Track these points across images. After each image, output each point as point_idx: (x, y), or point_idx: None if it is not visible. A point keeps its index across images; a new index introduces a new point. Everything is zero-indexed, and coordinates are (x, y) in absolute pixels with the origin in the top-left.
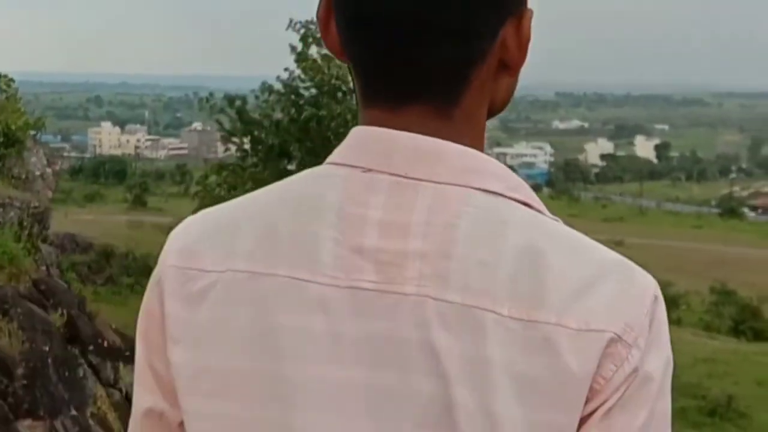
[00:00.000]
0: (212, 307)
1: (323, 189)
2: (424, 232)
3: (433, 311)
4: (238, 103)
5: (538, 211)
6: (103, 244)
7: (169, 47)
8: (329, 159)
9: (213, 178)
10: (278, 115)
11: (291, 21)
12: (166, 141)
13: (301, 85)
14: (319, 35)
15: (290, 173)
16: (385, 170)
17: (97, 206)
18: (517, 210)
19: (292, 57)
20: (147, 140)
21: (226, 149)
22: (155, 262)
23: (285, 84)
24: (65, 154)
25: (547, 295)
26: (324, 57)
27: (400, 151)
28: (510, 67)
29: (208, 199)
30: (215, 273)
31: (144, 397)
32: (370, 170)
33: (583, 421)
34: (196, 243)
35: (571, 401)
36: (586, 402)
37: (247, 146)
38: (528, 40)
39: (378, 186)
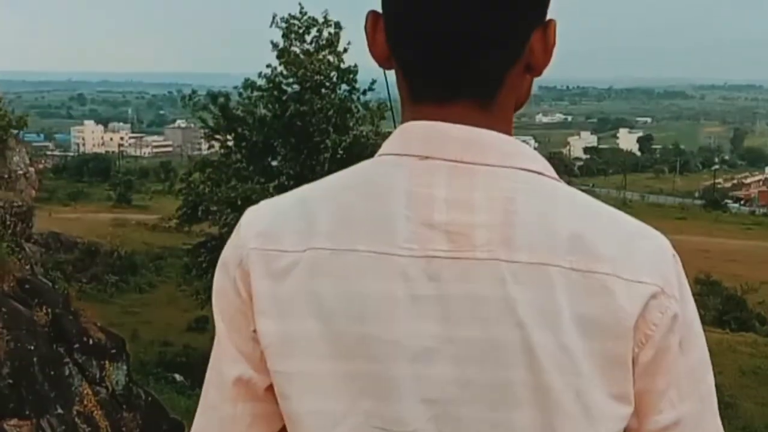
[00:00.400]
0: (296, 282)
1: (389, 174)
2: (486, 206)
3: (505, 270)
4: (221, 100)
5: (558, 180)
6: (88, 242)
7: (151, 45)
8: (381, 151)
9: (197, 175)
10: (261, 111)
11: (274, 17)
12: (149, 139)
13: (284, 81)
14: (301, 30)
15: (274, 169)
16: (442, 156)
17: (82, 205)
18: (554, 185)
19: (275, 53)
20: (131, 138)
21: (210, 146)
22: (140, 260)
23: (268, 80)
24: (48, 152)
25: (601, 251)
26: (306, 52)
27: (453, 139)
28: (534, 69)
29: (193, 196)
30: (296, 253)
31: (231, 368)
32: (426, 158)
33: (647, 369)
34: (272, 226)
35: (624, 334)
36: (644, 346)
37: (230, 143)
38: (553, 46)
39: (438, 170)
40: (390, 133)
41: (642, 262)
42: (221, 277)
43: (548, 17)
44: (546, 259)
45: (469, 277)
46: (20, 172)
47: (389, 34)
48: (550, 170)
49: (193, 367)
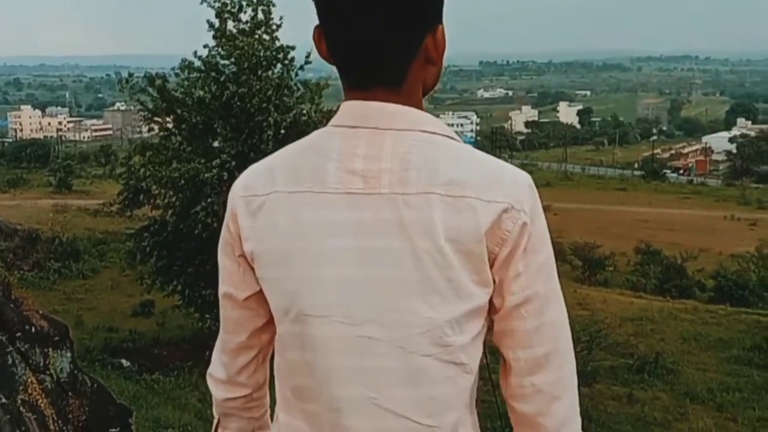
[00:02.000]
0: (265, 216)
1: (328, 138)
2: (390, 158)
3: (400, 200)
4: (158, 82)
5: (456, 139)
6: (28, 229)
7: (88, 27)
8: (331, 123)
9: (137, 159)
10: (200, 93)
11: None
12: (89, 122)
13: (221, 61)
14: (234, 10)
15: (215, 150)
16: (365, 125)
17: (21, 191)
18: (444, 140)
19: (211, 33)
20: (69, 122)
21: (150, 129)
22: (82, 246)
23: (204, 61)
24: None
25: (470, 182)
26: (241, 32)
27: (372, 113)
28: (432, 61)
29: (133, 179)
30: (264, 195)
31: (222, 287)
32: (355, 127)
33: (504, 262)
34: (250, 180)
35: (481, 238)
36: (502, 246)
37: (170, 125)
38: (443, 44)
39: (361, 135)
40: (330, 110)
41: (500, 188)
42: (225, 221)
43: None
44: (428, 189)
45: (376, 206)
46: None
47: (327, 42)
48: (445, 131)
49: (140, 351)
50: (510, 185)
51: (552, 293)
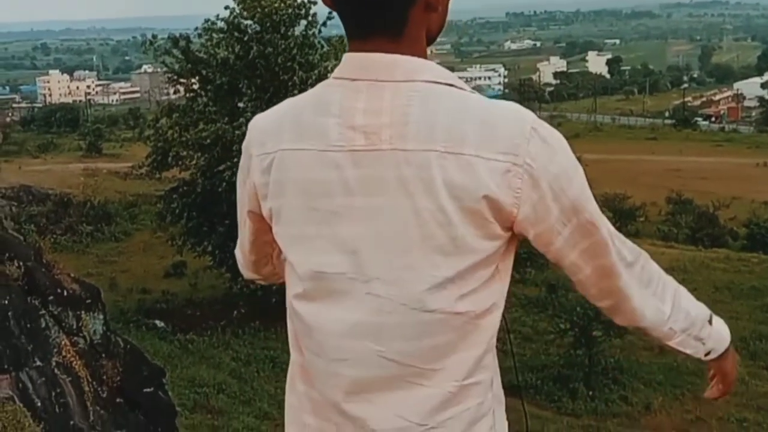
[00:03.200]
0: (274, 173)
1: (329, 93)
2: (390, 111)
3: (401, 156)
4: (182, 43)
5: (460, 88)
6: (60, 193)
7: None
8: (333, 75)
9: (164, 121)
10: (223, 53)
11: None
12: (116, 86)
13: (244, 21)
14: None
15: (241, 111)
16: (364, 78)
17: (52, 156)
18: (444, 89)
19: None
20: (97, 86)
21: (176, 91)
22: (114, 209)
23: (227, 22)
24: (15, 105)
25: (469, 136)
26: None
27: (371, 64)
28: (433, 7)
29: (161, 142)
30: (272, 153)
31: (243, 209)
32: (354, 80)
33: (534, 217)
34: (262, 135)
35: (482, 198)
36: (519, 205)
37: (195, 86)
38: None
39: (360, 88)
40: None
41: (498, 143)
42: (240, 173)
43: None
44: (427, 146)
45: (378, 163)
46: None
47: None
48: (447, 78)
49: (173, 312)
50: (508, 137)
51: (592, 214)
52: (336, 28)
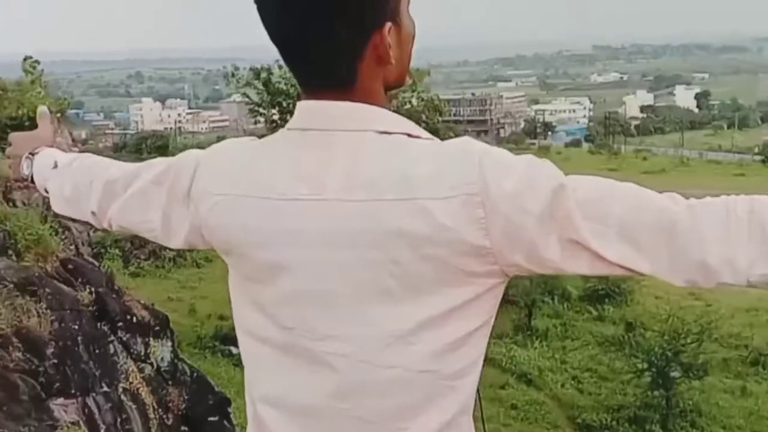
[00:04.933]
0: (218, 215)
1: (282, 142)
2: (339, 161)
3: (347, 207)
4: (263, 75)
5: (416, 135)
6: None
7: (205, 20)
8: (287, 126)
9: None
10: None
11: None
12: (206, 114)
13: None
14: None
15: None
16: (316, 127)
17: None
18: (397, 138)
19: None
20: (188, 114)
21: (256, 121)
22: None
23: None
24: (108, 131)
25: (421, 181)
26: None
27: (323, 113)
28: (384, 62)
29: None
30: (219, 195)
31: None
32: (306, 129)
33: (506, 238)
34: (214, 175)
35: (448, 242)
36: (489, 231)
37: (276, 117)
38: (386, 47)
39: (311, 139)
40: (431, 98)
41: (450, 179)
42: (183, 169)
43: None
44: (376, 196)
45: (320, 214)
46: None
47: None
48: (401, 127)
49: None
50: (458, 171)
51: (571, 211)
52: (415, 60)
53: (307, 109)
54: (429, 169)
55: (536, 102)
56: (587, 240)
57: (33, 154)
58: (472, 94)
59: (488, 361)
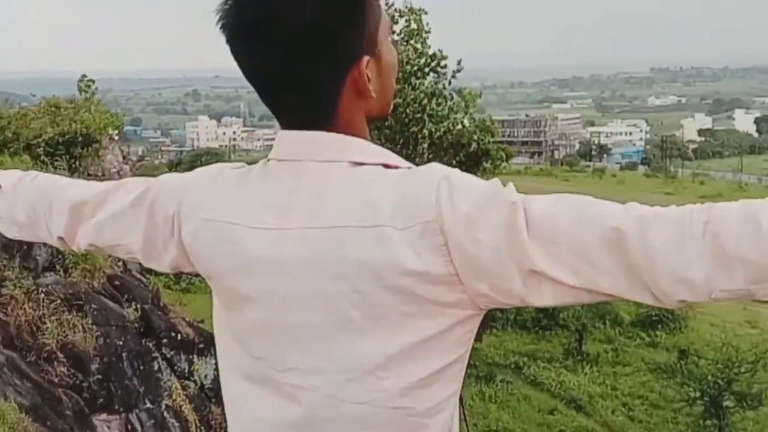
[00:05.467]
0: (196, 242)
1: (260, 171)
2: (307, 191)
3: (311, 235)
4: None
5: (395, 166)
6: None
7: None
8: (269, 155)
9: None
10: None
11: None
12: (261, 132)
13: None
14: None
15: None
16: (290, 158)
17: None
18: (372, 170)
19: None
20: (242, 132)
21: None
22: None
23: None
24: (164, 148)
25: (384, 208)
26: (394, 43)
27: (297, 145)
28: (364, 95)
29: None
30: (200, 220)
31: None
32: (282, 160)
33: (469, 265)
34: (195, 197)
35: (409, 272)
36: (453, 258)
37: None
38: (364, 80)
39: (286, 168)
40: (484, 119)
41: (410, 208)
42: (166, 195)
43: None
44: (342, 222)
45: (284, 243)
46: (114, 170)
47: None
48: (375, 157)
49: None
50: (420, 198)
51: (524, 238)
52: (467, 80)
53: (284, 139)
54: (393, 198)
55: (592, 124)
56: (540, 262)
57: None
58: (526, 115)
59: (537, 385)
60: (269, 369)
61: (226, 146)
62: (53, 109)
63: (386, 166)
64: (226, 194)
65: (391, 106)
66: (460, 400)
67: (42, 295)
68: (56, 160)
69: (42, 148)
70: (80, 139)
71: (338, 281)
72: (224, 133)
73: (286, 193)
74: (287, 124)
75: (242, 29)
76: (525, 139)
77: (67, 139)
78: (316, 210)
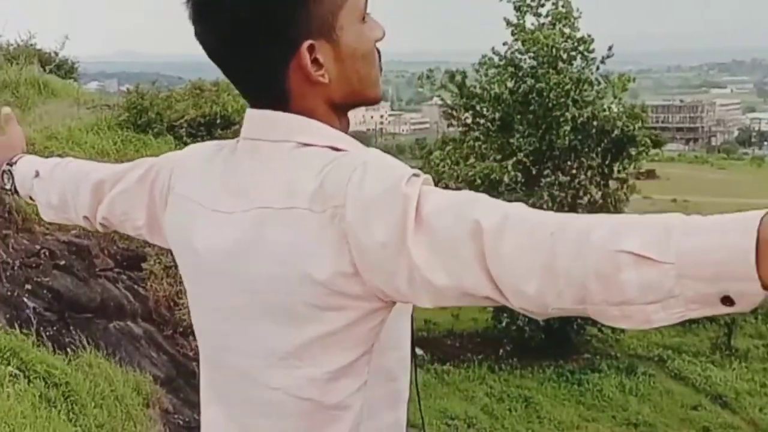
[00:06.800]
0: (168, 212)
1: (226, 150)
2: (256, 172)
3: (243, 218)
4: (458, 78)
5: (342, 149)
6: None
7: (410, 24)
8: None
9: (437, 153)
10: (497, 88)
11: None
12: (408, 116)
13: (520, 56)
14: (534, 4)
15: (512, 147)
16: (251, 137)
17: None
18: (317, 151)
19: (509, 30)
20: (390, 116)
21: (449, 124)
22: None
23: (502, 57)
24: None
25: (306, 191)
26: (540, 26)
27: (255, 123)
28: (311, 81)
29: (432, 173)
30: (174, 193)
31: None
32: (245, 138)
33: (367, 259)
34: (179, 171)
35: (318, 253)
36: (352, 249)
37: (469, 120)
38: (305, 66)
39: (247, 147)
40: (634, 105)
41: (326, 192)
42: (163, 163)
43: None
44: (266, 203)
45: (226, 225)
46: None
47: None
48: (324, 140)
49: (433, 341)
50: (339, 180)
51: (407, 240)
52: (621, 64)
53: (247, 117)
54: (315, 180)
55: (752, 110)
56: (418, 260)
57: (11, 164)
58: (680, 101)
59: (681, 379)
60: (208, 346)
61: (373, 130)
62: (197, 91)
63: (334, 148)
64: (197, 171)
65: (374, 92)
66: (416, 384)
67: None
68: (197, 141)
69: (184, 129)
70: (219, 121)
71: (259, 264)
72: (372, 117)
73: (241, 174)
74: (250, 104)
75: (194, 11)
76: (680, 125)
77: (207, 120)
78: (256, 192)
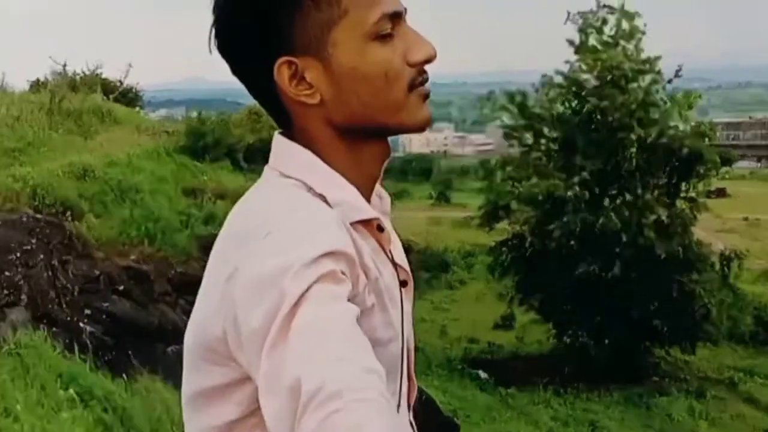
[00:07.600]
0: None
1: None
2: (241, 201)
3: (216, 258)
4: (518, 99)
5: (309, 188)
6: (403, 240)
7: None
8: None
9: (499, 173)
10: (560, 108)
11: (569, 14)
12: (472, 137)
13: (583, 76)
14: (598, 23)
15: (575, 167)
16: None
17: (403, 203)
18: (285, 185)
19: (571, 50)
20: (454, 138)
21: (510, 144)
22: (452, 257)
23: (565, 76)
24: None
25: (236, 244)
26: (604, 44)
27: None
28: (296, 101)
29: (493, 194)
30: None
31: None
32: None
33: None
34: None
35: (212, 313)
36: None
37: (530, 141)
38: (282, 84)
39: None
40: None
41: (235, 249)
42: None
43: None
44: (224, 247)
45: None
46: None
47: None
48: (301, 173)
49: (497, 364)
50: (242, 243)
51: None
52: (690, 81)
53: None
54: (255, 228)
55: None
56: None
57: None
58: (749, 117)
59: (752, 402)
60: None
61: (437, 151)
62: (254, 116)
63: (306, 185)
64: None
65: (396, 119)
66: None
67: None
68: (254, 167)
69: (241, 154)
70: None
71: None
72: (435, 139)
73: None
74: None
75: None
76: (752, 143)
77: (264, 145)
78: (230, 227)
